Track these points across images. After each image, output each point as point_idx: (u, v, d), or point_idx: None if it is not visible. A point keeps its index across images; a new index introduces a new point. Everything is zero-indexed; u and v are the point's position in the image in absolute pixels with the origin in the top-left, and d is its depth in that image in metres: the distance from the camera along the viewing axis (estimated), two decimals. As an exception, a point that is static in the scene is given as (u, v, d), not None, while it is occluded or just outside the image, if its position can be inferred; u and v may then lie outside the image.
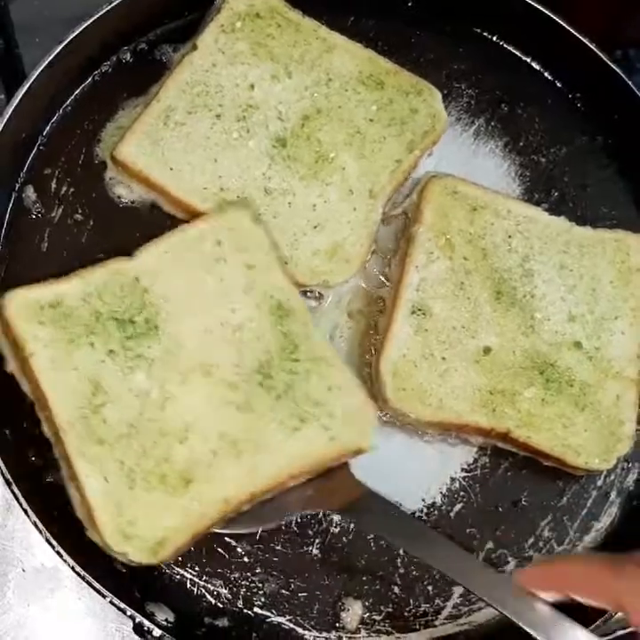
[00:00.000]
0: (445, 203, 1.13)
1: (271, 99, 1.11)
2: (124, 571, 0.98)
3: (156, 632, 0.94)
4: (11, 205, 1.10)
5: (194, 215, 1.07)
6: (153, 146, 1.08)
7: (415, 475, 1.10)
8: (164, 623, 0.97)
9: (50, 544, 0.94)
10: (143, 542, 0.90)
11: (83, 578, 0.93)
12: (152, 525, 0.90)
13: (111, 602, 0.93)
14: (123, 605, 0.93)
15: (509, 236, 1.14)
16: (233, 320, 0.99)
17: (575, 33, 1.20)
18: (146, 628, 0.94)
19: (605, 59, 1.19)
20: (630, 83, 1.19)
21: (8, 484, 0.95)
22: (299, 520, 1.05)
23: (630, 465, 1.15)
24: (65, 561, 0.94)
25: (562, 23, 1.19)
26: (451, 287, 1.11)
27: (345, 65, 1.14)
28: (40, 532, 0.94)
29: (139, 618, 0.94)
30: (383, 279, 1.15)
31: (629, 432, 1.10)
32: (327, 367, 1.00)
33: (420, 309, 1.10)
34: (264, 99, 1.11)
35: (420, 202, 1.14)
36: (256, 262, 1.02)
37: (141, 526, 0.90)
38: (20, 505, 0.95)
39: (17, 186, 1.10)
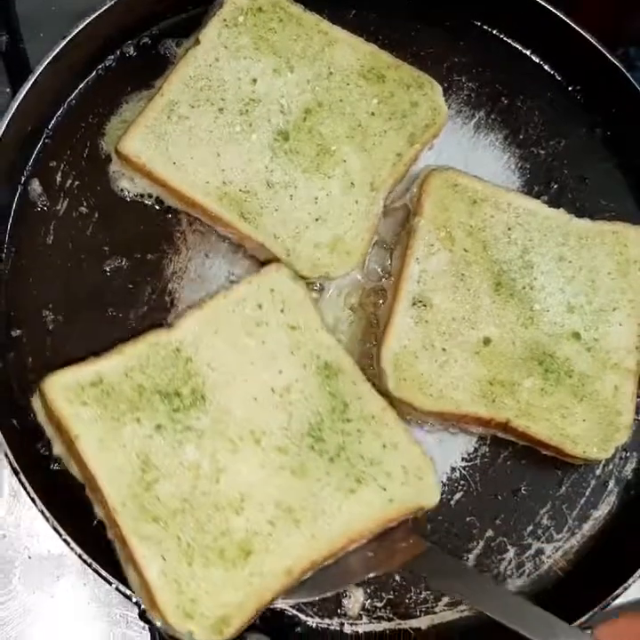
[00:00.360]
0: (446, 195, 1.15)
1: (273, 92, 1.12)
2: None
3: (159, 622, 0.94)
4: (17, 198, 1.11)
5: (198, 211, 1.09)
6: (156, 140, 1.09)
7: (416, 464, 1.10)
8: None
9: (57, 532, 0.95)
10: (206, 620, 0.87)
11: (89, 565, 0.95)
12: (214, 602, 0.88)
13: (117, 588, 0.95)
14: (128, 592, 0.95)
15: (509, 229, 1.15)
16: (280, 383, 0.98)
17: (575, 26, 1.21)
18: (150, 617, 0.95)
19: (605, 52, 1.20)
20: (630, 76, 1.19)
21: (15, 473, 0.97)
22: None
23: (628, 454, 1.16)
24: (71, 548, 0.95)
25: (562, 17, 1.20)
26: (451, 279, 1.12)
27: (346, 59, 1.15)
28: (47, 519, 0.96)
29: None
30: (384, 272, 1.15)
31: (627, 422, 1.10)
32: (380, 425, 0.99)
33: (420, 301, 1.11)
34: (266, 92, 1.12)
35: (421, 195, 1.15)
36: (299, 322, 1.02)
37: (203, 603, 0.87)
38: (28, 493, 0.96)
39: (23, 179, 1.12)
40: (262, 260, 1.12)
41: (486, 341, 1.11)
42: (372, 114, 1.14)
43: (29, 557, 1.08)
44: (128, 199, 1.12)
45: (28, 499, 0.97)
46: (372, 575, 0.99)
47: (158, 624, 0.89)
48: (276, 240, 1.08)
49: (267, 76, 1.13)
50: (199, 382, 0.95)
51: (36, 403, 0.98)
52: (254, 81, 1.12)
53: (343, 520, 0.92)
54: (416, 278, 1.11)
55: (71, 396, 0.93)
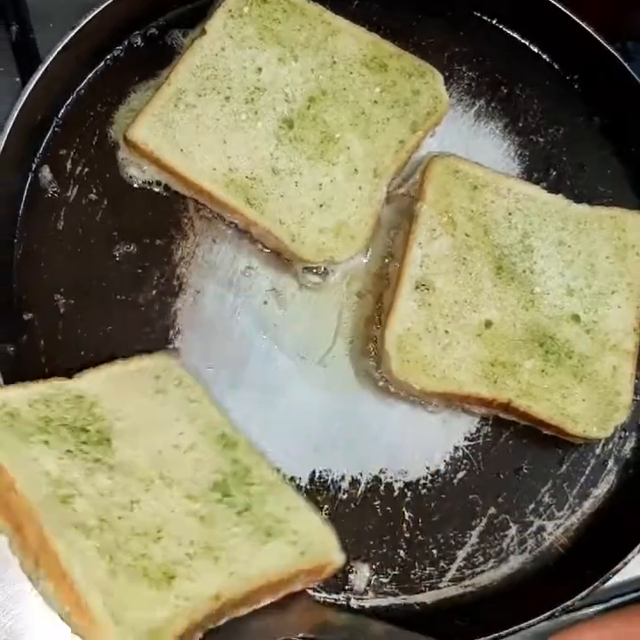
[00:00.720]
0: (447, 181, 1.17)
1: (278, 81, 1.14)
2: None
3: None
4: (28, 185, 1.13)
5: (205, 197, 1.12)
6: (164, 128, 1.11)
7: (419, 444, 1.13)
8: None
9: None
10: (134, 630, 0.80)
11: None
12: (143, 615, 0.81)
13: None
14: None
15: (509, 214, 1.17)
16: (182, 442, 0.97)
17: (573, 17, 1.23)
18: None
19: (602, 42, 1.22)
20: (627, 65, 1.22)
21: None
22: (308, 487, 1.09)
23: (627, 434, 1.18)
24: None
25: (560, 7, 1.22)
26: (453, 263, 1.14)
27: (349, 48, 1.17)
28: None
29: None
30: (387, 257, 1.18)
31: (626, 402, 1.13)
32: (280, 490, 0.98)
33: (423, 285, 1.13)
34: (271, 81, 1.14)
35: (423, 181, 1.17)
36: (196, 398, 1.03)
37: (132, 612, 0.81)
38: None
39: (33, 166, 1.14)
40: (268, 247, 1.14)
41: (488, 324, 1.13)
42: (375, 102, 1.16)
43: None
44: (136, 186, 1.14)
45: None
46: None
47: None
48: (282, 226, 1.10)
49: (271, 65, 1.15)
50: (105, 426, 0.95)
51: None
52: (259, 70, 1.14)
53: (258, 566, 0.89)
54: (419, 262, 1.14)
55: None
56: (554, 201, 1.19)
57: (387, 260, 1.18)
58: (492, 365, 1.11)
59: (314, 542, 0.93)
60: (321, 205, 1.12)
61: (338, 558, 0.95)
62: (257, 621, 0.89)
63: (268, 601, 0.90)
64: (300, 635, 0.84)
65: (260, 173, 1.12)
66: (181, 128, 1.11)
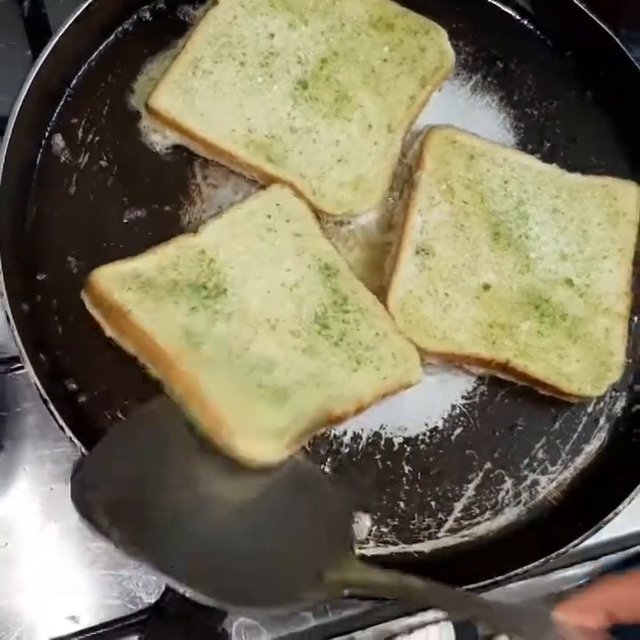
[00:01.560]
0: (445, 151, 1.21)
1: (290, 45, 1.19)
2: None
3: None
4: (41, 152, 1.17)
5: (226, 159, 1.17)
6: (183, 94, 1.15)
7: (419, 402, 1.16)
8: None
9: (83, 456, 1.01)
10: (268, 440, 0.96)
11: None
12: (267, 425, 0.97)
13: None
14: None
15: (505, 182, 1.21)
16: (289, 279, 1.10)
17: (565, -5, 1.28)
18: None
19: (595, 18, 1.27)
20: (617, 40, 1.26)
21: (45, 402, 1.02)
22: (311, 441, 1.12)
23: (618, 394, 1.23)
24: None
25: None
26: (452, 229, 1.18)
27: (356, 10, 1.22)
28: (74, 445, 1.01)
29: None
30: (390, 224, 1.22)
31: (619, 362, 1.17)
32: (373, 316, 1.11)
33: (423, 250, 1.17)
34: (284, 46, 1.19)
35: (422, 150, 1.21)
36: (302, 231, 1.13)
37: (263, 427, 0.97)
38: (56, 421, 1.02)
39: (46, 134, 1.17)
40: None
41: (486, 287, 1.17)
42: (385, 60, 1.21)
43: (51, 489, 1.14)
44: (147, 153, 1.18)
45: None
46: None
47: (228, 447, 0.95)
48: (303, 179, 1.15)
49: (283, 30, 1.19)
50: (221, 279, 1.08)
51: (84, 296, 1.08)
52: (272, 36, 1.19)
53: (351, 390, 1.05)
54: (419, 228, 1.18)
55: (118, 285, 1.04)
56: (548, 170, 1.23)
57: (389, 229, 1.22)
58: (491, 327, 1.15)
59: (397, 366, 1.09)
60: (339, 160, 1.17)
61: (416, 379, 1.10)
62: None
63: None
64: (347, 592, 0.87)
65: (278, 132, 1.16)
66: (200, 94, 1.16)
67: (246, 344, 1.04)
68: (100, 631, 1.08)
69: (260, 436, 0.95)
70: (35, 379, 1.02)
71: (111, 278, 1.05)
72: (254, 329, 1.06)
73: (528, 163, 1.23)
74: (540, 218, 1.20)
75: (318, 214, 1.17)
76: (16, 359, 1.07)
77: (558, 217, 1.21)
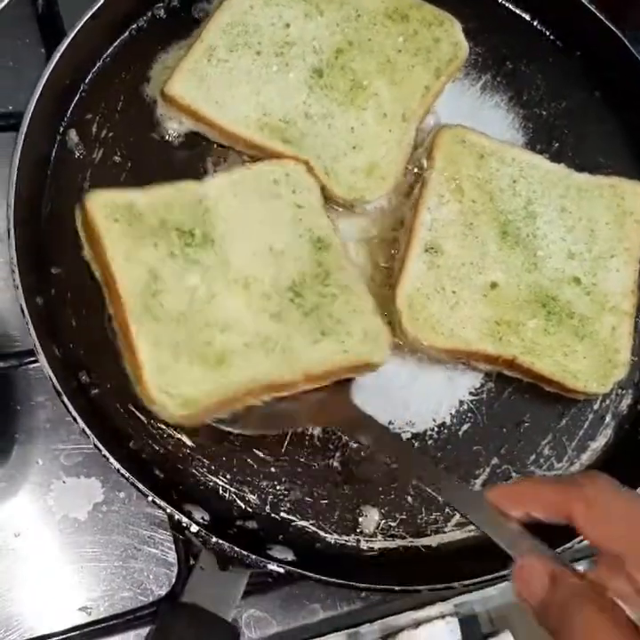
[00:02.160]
0: (455, 150, 1.22)
1: (306, 35, 1.20)
2: (162, 476, 1.07)
3: (194, 528, 1.01)
4: (55, 147, 1.18)
5: (241, 144, 1.18)
6: (198, 82, 1.16)
7: (426, 397, 1.18)
8: (201, 521, 1.05)
9: (97, 448, 1.02)
10: (177, 397, 1.00)
11: (127, 479, 1.02)
12: (188, 388, 1.01)
13: (153, 501, 1.01)
14: (163, 503, 1.01)
15: (514, 181, 1.22)
16: (277, 245, 1.10)
17: (574, -4, 1.29)
18: (184, 525, 1.02)
19: (604, 19, 1.29)
20: (626, 41, 1.28)
21: (58, 394, 1.03)
22: (320, 436, 1.14)
23: (624, 392, 1.24)
24: (110, 464, 1.02)
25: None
26: (460, 227, 1.19)
27: (371, 1, 1.23)
28: (88, 437, 1.02)
29: (177, 515, 1.02)
30: (399, 221, 1.23)
31: (625, 359, 1.19)
32: (353, 295, 1.11)
33: (432, 247, 1.18)
34: (299, 36, 1.20)
35: (432, 149, 1.22)
36: (305, 204, 1.14)
37: (179, 387, 1.01)
38: (69, 413, 1.03)
39: (61, 130, 1.18)
40: None
41: (493, 285, 1.18)
42: (399, 51, 1.22)
43: (64, 482, 1.15)
44: (160, 149, 1.19)
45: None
46: (310, 425, 1.13)
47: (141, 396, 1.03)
48: (318, 159, 1.17)
49: (299, 20, 1.21)
50: (211, 229, 1.09)
51: (77, 215, 1.11)
52: (287, 25, 1.20)
53: (305, 359, 1.05)
54: (428, 226, 1.19)
55: (106, 212, 1.06)
56: (556, 170, 1.24)
57: (398, 226, 1.23)
58: (498, 324, 1.16)
59: (363, 343, 1.08)
60: (353, 147, 1.19)
61: (381, 360, 1.09)
62: (288, 405, 1.07)
63: (307, 388, 1.08)
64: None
65: (293, 117, 1.18)
66: (215, 81, 1.17)
67: (210, 299, 1.06)
68: (111, 622, 1.10)
69: (175, 395, 1.00)
70: (49, 371, 1.03)
71: (105, 203, 1.07)
72: (227, 286, 1.07)
73: (537, 162, 1.24)
74: (547, 217, 1.22)
75: (329, 197, 1.18)
76: (30, 353, 1.08)
77: (566, 216, 1.22)
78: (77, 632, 1.10)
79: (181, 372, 1.02)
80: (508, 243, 1.20)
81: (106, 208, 1.07)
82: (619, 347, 1.19)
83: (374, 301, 1.12)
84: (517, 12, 1.36)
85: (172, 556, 1.15)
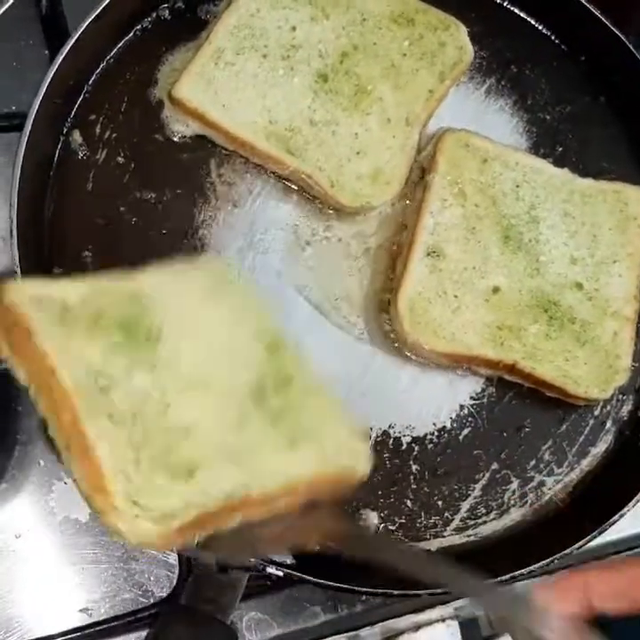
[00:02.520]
0: (458, 154, 1.22)
1: (311, 38, 1.20)
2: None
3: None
4: (59, 148, 1.18)
5: (246, 149, 1.18)
6: (205, 85, 1.17)
7: (427, 402, 1.18)
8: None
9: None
10: (150, 512, 0.81)
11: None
12: (159, 500, 0.83)
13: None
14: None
15: (517, 186, 1.22)
16: (229, 346, 0.97)
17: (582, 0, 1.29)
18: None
19: (609, 24, 1.28)
20: (631, 46, 1.27)
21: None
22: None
23: (625, 397, 1.24)
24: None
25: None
26: (463, 231, 1.19)
27: (377, 5, 1.23)
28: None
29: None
30: (401, 225, 1.23)
31: (626, 365, 1.18)
32: (319, 399, 0.97)
33: (434, 251, 1.18)
34: (305, 39, 1.20)
35: (435, 153, 1.22)
36: (251, 303, 1.01)
37: (149, 497, 0.82)
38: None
39: (64, 130, 1.19)
40: (310, 194, 1.21)
41: (495, 290, 1.18)
42: (404, 55, 1.22)
43: (65, 483, 1.15)
44: (163, 150, 1.19)
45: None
46: (287, 550, 1.01)
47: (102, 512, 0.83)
48: (322, 172, 1.17)
49: (305, 23, 1.21)
50: (154, 325, 0.93)
51: None
52: (293, 29, 1.21)
53: (280, 471, 0.90)
54: (430, 230, 1.19)
55: (33, 302, 0.88)
56: (560, 174, 1.24)
57: (400, 230, 1.23)
58: (499, 329, 1.16)
59: (340, 454, 0.93)
60: (357, 153, 1.19)
61: (362, 470, 0.94)
62: (269, 528, 0.90)
63: (284, 505, 0.90)
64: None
65: (298, 125, 1.18)
66: (222, 85, 1.17)
67: (164, 404, 0.89)
68: (112, 624, 1.10)
69: (148, 507, 0.81)
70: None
71: (30, 294, 0.89)
72: (183, 386, 0.91)
73: (540, 167, 1.24)
74: (550, 222, 1.22)
75: (336, 207, 1.19)
76: (32, 354, 1.08)
77: (569, 221, 1.22)
78: (78, 634, 1.10)
79: (148, 481, 0.83)
80: (510, 247, 1.20)
81: (32, 298, 0.88)
82: (620, 352, 1.19)
83: (342, 405, 0.97)
84: (522, 16, 1.35)
85: (173, 558, 1.15)
